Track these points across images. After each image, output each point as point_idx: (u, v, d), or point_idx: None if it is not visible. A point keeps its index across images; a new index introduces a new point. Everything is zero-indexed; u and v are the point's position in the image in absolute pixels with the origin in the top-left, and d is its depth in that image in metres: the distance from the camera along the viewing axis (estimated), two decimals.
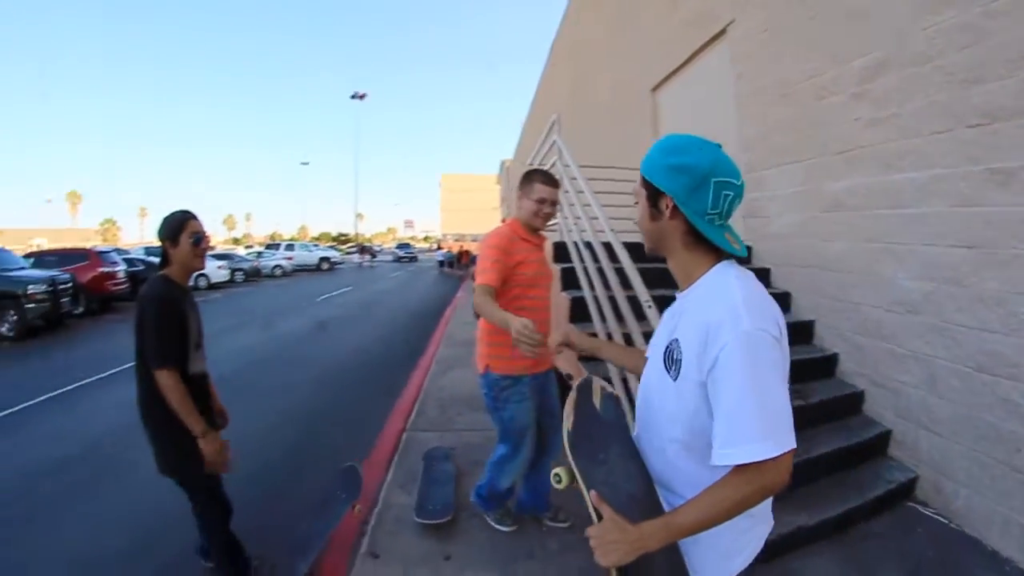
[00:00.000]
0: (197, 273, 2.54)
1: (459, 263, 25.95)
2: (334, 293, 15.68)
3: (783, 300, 3.69)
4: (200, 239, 2.07)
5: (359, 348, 7.51)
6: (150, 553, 2.62)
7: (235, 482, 2.26)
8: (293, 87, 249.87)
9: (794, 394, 2.98)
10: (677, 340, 0.99)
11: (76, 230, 72.64)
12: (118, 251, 15.94)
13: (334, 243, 65.86)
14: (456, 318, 9.48)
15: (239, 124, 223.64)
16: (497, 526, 2.49)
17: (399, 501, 2.79)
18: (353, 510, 2.46)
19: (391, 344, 7.90)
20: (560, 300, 3.56)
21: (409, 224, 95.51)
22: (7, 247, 12.05)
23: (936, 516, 2.56)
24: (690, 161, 0.96)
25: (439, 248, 37.40)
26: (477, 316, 2.59)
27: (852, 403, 3.06)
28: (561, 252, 3.88)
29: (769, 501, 1.05)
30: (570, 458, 1.03)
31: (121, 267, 13.05)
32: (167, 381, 1.86)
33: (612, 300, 2.80)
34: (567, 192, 3.84)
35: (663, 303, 1.97)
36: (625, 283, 2.61)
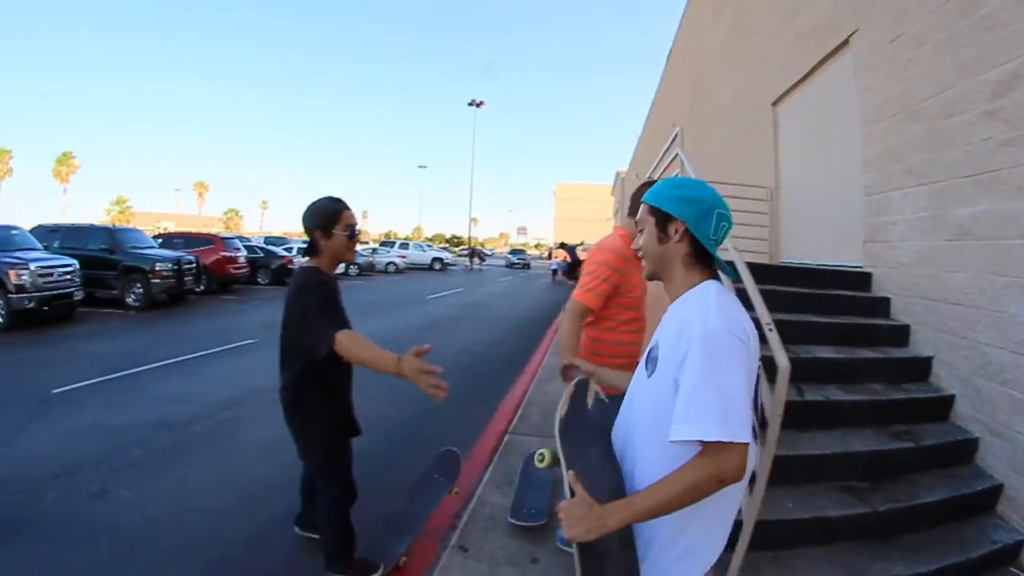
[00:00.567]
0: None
1: (574, 273, 25.65)
2: (444, 293, 15.97)
3: (900, 334, 3.41)
4: (354, 231, 2.03)
5: (465, 349, 7.53)
6: (245, 514, 2.87)
7: None
8: (414, 89, 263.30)
9: (904, 435, 2.81)
10: (657, 342, 1.11)
11: (201, 217, 75.69)
12: (240, 238, 17.49)
13: (447, 245, 67.93)
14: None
15: (362, 122, 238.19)
16: None
17: (493, 500, 2.88)
18: (451, 493, 2.58)
19: (498, 347, 7.95)
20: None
21: (522, 230, 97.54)
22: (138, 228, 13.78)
23: None
24: (697, 195, 1.11)
25: (550, 256, 37.05)
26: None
27: (965, 450, 2.78)
28: None
29: (717, 530, 1.09)
30: (557, 440, 1.15)
31: (242, 253, 14.42)
32: (345, 340, 1.75)
33: None
34: None
35: (782, 327, 2.01)
36: (773, 306, 2.34)
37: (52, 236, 10.60)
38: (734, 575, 1.84)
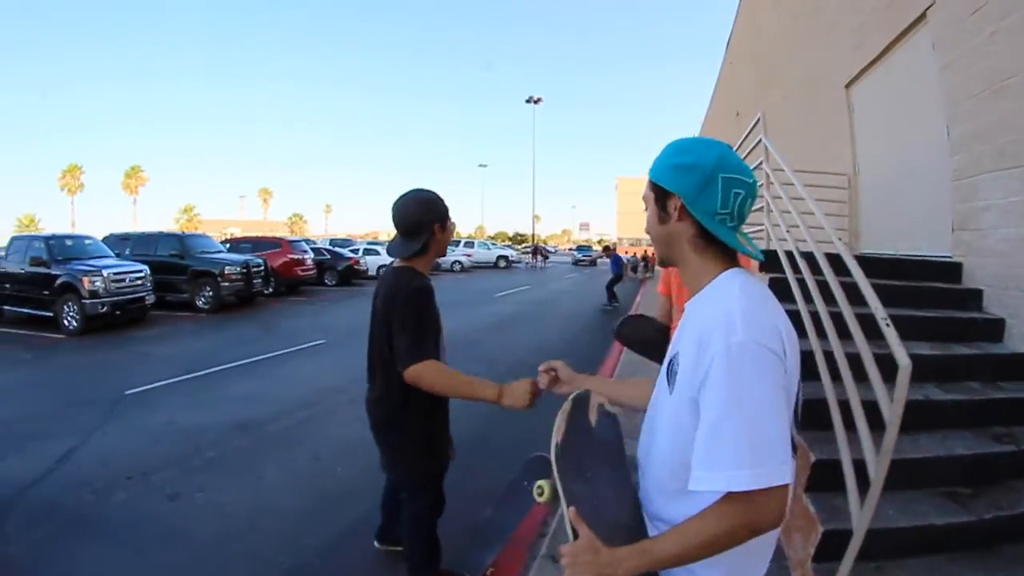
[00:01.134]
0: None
1: (646, 267, 25.18)
2: (511, 291, 15.93)
3: (995, 328, 3.19)
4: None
5: (538, 347, 7.37)
6: (324, 519, 2.77)
7: None
8: (474, 86, 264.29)
9: (1004, 437, 2.65)
10: (677, 353, 0.93)
11: (266, 222, 77.90)
12: (307, 241, 17.95)
13: (510, 242, 67.83)
14: None
15: (422, 123, 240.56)
16: None
17: None
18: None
19: (572, 344, 7.80)
20: None
21: (584, 227, 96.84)
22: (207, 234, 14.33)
23: None
24: (696, 159, 0.91)
25: (608, 252, 35.95)
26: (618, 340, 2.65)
27: None
28: (770, 261, 3.42)
29: (768, 541, 0.92)
30: (554, 470, 0.97)
31: (309, 255, 14.77)
32: (431, 370, 1.71)
33: (837, 316, 2.43)
34: (779, 198, 3.58)
35: (872, 322, 1.94)
36: (853, 299, 2.30)
37: (123, 244, 11.18)
38: None
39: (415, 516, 2.04)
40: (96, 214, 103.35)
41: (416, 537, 2.06)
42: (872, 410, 1.85)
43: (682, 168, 0.92)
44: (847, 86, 5.63)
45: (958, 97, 3.63)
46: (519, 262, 32.88)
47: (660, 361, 1.04)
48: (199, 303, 10.42)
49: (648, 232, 1.02)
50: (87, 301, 8.09)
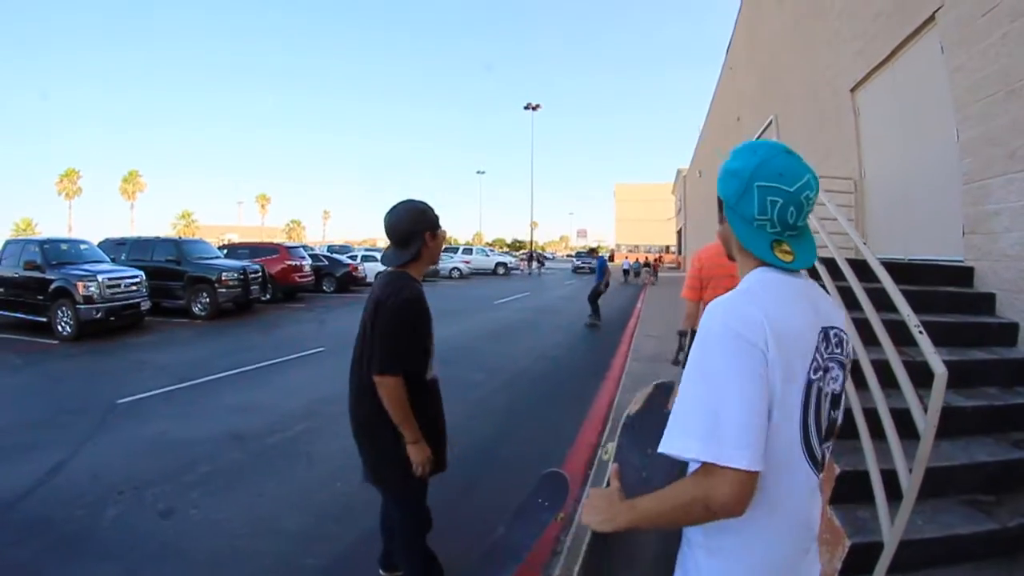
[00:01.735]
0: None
1: (654, 270, 26.78)
2: (510, 298, 15.78)
3: (1009, 332, 3.14)
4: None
5: (541, 355, 7.22)
6: (325, 536, 2.67)
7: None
8: (473, 93, 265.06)
9: (1019, 444, 2.57)
10: None
11: (264, 228, 76.30)
12: (304, 247, 17.54)
13: (508, 249, 68.13)
14: (639, 331, 8.81)
15: (419, 130, 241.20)
16: None
17: None
18: (556, 519, 2.36)
19: (575, 352, 7.69)
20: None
21: (582, 233, 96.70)
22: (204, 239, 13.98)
23: None
24: (740, 165, 0.93)
25: (611, 258, 36.99)
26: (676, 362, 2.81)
27: None
28: None
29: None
30: (619, 432, 1.13)
31: (307, 262, 14.54)
32: (391, 384, 1.76)
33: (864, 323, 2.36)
34: None
35: (888, 327, 1.94)
36: (880, 305, 2.24)
37: (119, 249, 10.94)
38: None
39: (407, 537, 2.04)
40: (93, 219, 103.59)
41: (410, 557, 2.05)
42: (900, 419, 1.79)
43: (728, 173, 0.96)
44: (852, 90, 5.60)
45: (968, 100, 3.60)
46: (517, 269, 32.79)
47: None
48: (195, 310, 10.27)
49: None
50: (81, 306, 7.97)
